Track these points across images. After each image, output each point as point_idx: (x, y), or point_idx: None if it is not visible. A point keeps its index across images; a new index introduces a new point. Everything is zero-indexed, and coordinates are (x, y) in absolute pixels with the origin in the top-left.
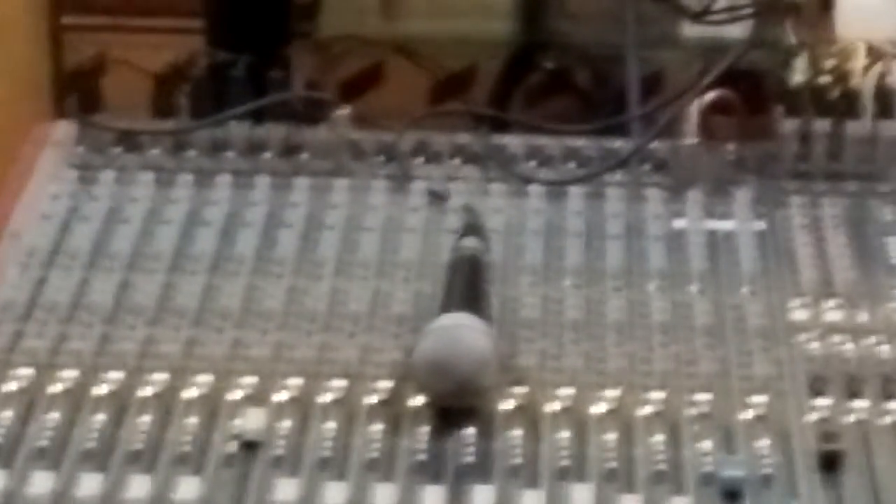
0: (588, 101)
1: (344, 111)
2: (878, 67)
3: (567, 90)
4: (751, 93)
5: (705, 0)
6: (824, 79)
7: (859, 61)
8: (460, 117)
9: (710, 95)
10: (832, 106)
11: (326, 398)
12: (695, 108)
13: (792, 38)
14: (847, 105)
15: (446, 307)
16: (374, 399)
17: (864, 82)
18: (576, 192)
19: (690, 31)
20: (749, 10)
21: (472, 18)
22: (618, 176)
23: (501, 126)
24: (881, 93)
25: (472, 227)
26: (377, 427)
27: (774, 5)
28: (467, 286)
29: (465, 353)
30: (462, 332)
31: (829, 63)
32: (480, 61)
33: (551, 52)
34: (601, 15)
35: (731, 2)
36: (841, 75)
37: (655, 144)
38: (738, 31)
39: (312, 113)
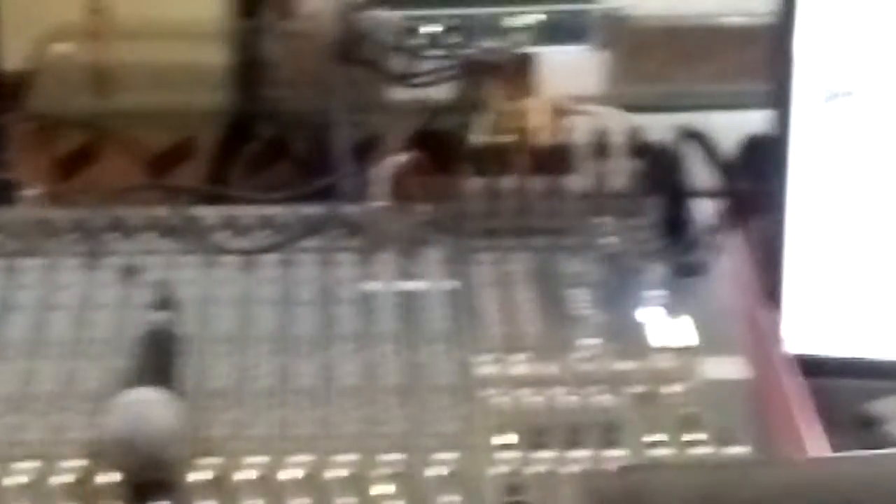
0: (305, 168)
1: (34, 191)
2: (561, 124)
3: (284, 158)
4: (441, 153)
5: (409, 64)
6: (509, 137)
7: (539, 118)
8: (168, 191)
9: (399, 158)
10: (518, 163)
11: (15, 480)
12: (384, 171)
13: (494, 98)
14: (532, 162)
15: (134, 382)
16: (66, 478)
17: (547, 139)
18: (269, 260)
19: (398, 94)
20: (451, 73)
21: (187, 90)
22: (312, 242)
23: (208, 197)
24: (562, 148)
25: (165, 301)
26: None
27: (476, 67)
28: (157, 360)
29: (149, 427)
30: (146, 407)
31: (512, 121)
32: (197, 133)
33: (267, 120)
34: (313, 81)
35: (434, 64)
36: (526, 133)
37: (348, 209)
38: (443, 92)
39: (6, 193)
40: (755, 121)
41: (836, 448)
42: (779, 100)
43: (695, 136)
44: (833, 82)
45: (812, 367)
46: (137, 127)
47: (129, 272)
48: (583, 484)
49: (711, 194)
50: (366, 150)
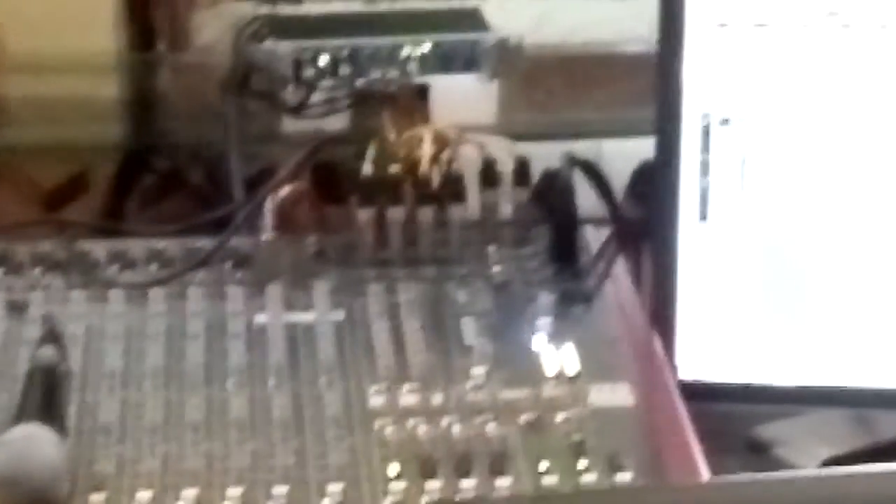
0: (200, 200)
1: None
2: (445, 154)
3: (180, 190)
4: (330, 184)
5: (303, 94)
6: (395, 167)
7: (426, 149)
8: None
9: (286, 190)
10: (407, 193)
11: None
12: (271, 203)
13: (386, 128)
14: (417, 192)
15: (19, 419)
16: None
17: (437, 169)
18: (157, 294)
19: (292, 125)
20: (345, 103)
21: (81, 124)
22: (200, 275)
23: (100, 231)
24: (449, 178)
25: (50, 336)
26: None
27: (369, 97)
28: (42, 397)
29: (33, 465)
30: (31, 445)
31: (400, 152)
32: (92, 167)
33: (162, 153)
34: (207, 113)
35: (328, 95)
36: (411, 163)
37: (238, 241)
38: (337, 123)
39: None
40: (648, 148)
41: (725, 473)
42: (666, 126)
43: (583, 163)
44: (721, 108)
45: (701, 393)
46: (31, 161)
47: (16, 307)
48: None
49: (600, 222)
50: (260, 182)
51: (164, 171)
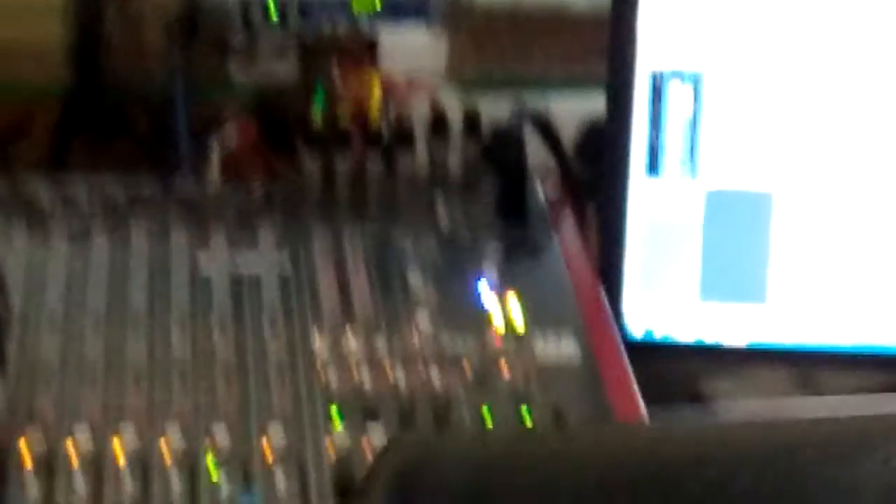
0: (144, 145)
1: None
2: (395, 103)
3: (124, 134)
4: (276, 130)
5: (251, 40)
6: (347, 115)
7: (374, 96)
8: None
9: (233, 136)
10: (355, 141)
11: None
12: (218, 146)
13: (334, 76)
14: (368, 140)
15: None
16: None
17: (383, 117)
18: (100, 236)
19: (239, 72)
20: (293, 51)
21: (25, 67)
22: (144, 218)
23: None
24: (398, 126)
25: None
26: None
27: (318, 44)
28: None
29: None
30: None
31: (348, 99)
32: (35, 110)
33: (108, 97)
34: (154, 57)
35: (276, 41)
36: (362, 111)
37: (183, 185)
38: (284, 71)
39: None
40: (596, 103)
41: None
42: (617, 80)
43: (532, 115)
44: (673, 63)
45: (646, 348)
46: None
47: None
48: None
49: (548, 174)
50: (207, 128)
51: (109, 116)
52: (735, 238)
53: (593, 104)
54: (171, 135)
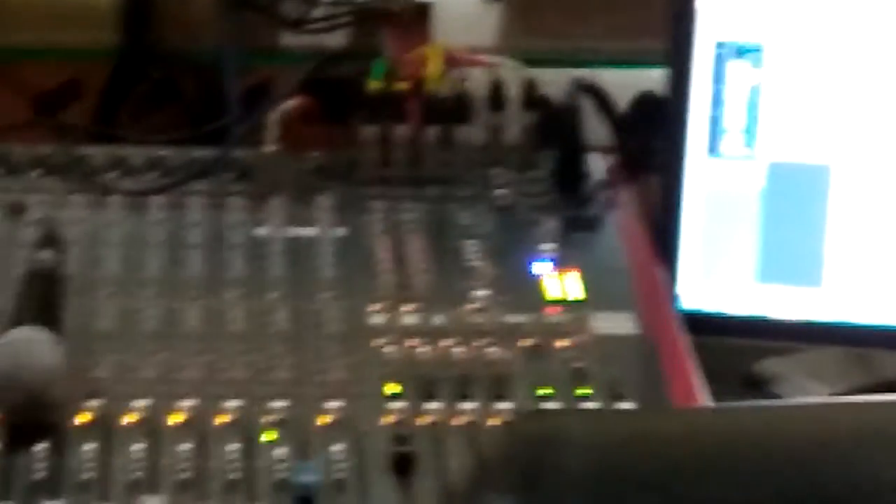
0: (193, 111)
1: None
2: (455, 74)
3: (173, 100)
4: (334, 100)
5: (303, 9)
6: (402, 86)
7: (434, 67)
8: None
9: (291, 103)
10: (412, 112)
11: None
12: (276, 117)
13: (389, 46)
14: (426, 111)
15: (17, 321)
16: None
17: (439, 88)
18: (157, 202)
19: (291, 40)
20: (345, 19)
21: (75, 29)
22: (200, 185)
23: (97, 137)
24: (457, 98)
25: (49, 240)
26: None
27: (370, 14)
28: (40, 300)
29: (32, 366)
30: (30, 346)
31: (406, 70)
32: (84, 73)
33: (157, 61)
34: (204, 24)
35: (328, 11)
36: (417, 82)
37: (239, 153)
38: (336, 39)
39: None
40: (646, 78)
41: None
42: (678, 55)
43: (591, 90)
44: (734, 36)
45: (702, 325)
46: (24, 63)
47: (14, 209)
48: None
49: (606, 149)
50: (257, 96)
51: (158, 80)
52: (793, 214)
53: (644, 77)
54: (218, 101)
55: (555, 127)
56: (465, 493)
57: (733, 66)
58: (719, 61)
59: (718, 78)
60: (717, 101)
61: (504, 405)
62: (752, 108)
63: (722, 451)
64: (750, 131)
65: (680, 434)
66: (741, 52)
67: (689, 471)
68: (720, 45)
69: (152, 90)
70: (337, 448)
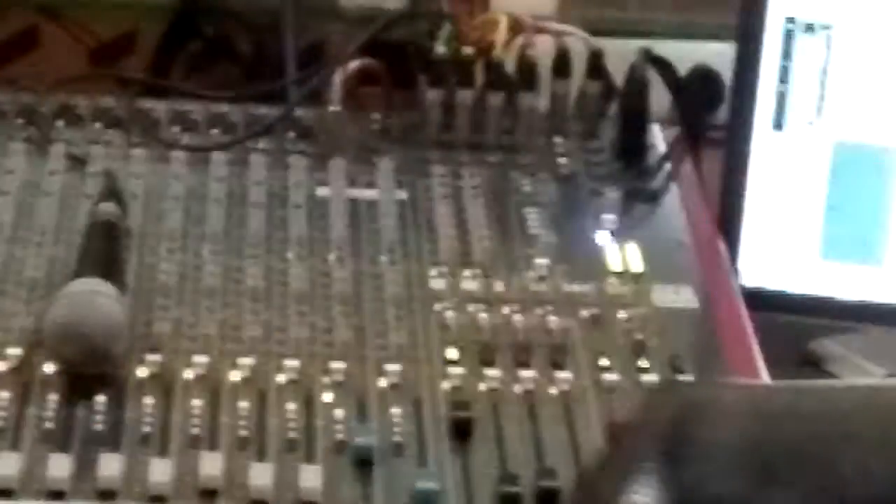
0: (248, 69)
1: None
2: (519, 40)
3: (227, 57)
4: (397, 63)
5: None
6: (467, 50)
7: (501, 34)
8: (114, 83)
9: (355, 64)
10: (474, 77)
11: None
12: (339, 77)
13: (444, 10)
14: (489, 76)
15: (79, 273)
16: (2, 366)
17: (505, 55)
18: (219, 159)
19: (349, 0)
20: None
21: None
22: (262, 143)
23: (153, 91)
24: (522, 65)
25: (111, 192)
26: (4, 395)
27: None
28: (102, 252)
29: (95, 318)
30: (93, 298)
31: (473, 35)
32: (139, 27)
33: (211, 18)
34: None
35: None
36: (483, 47)
37: (301, 112)
38: (394, 1)
39: None
40: (705, 51)
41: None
42: (747, 30)
43: (657, 61)
44: (804, 13)
45: (761, 301)
46: (81, 15)
47: (76, 161)
48: (645, 398)
49: (671, 122)
50: (313, 56)
51: (213, 37)
52: (855, 194)
53: (698, 51)
54: (275, 60)
55: (620, 98)
56: (601, 463)
57: (802, 42)
58: (788, 37)
59: (787, 54)
60: (784, 77)
61: (562, 374)
62: (820, 85)
63: (873, 427)
64: (816, 109)
65: (831, 409)
66: (810, 28)
67: (843, 444)
68: (790, 21)
69: (206, 47)
70: (395, 411)
